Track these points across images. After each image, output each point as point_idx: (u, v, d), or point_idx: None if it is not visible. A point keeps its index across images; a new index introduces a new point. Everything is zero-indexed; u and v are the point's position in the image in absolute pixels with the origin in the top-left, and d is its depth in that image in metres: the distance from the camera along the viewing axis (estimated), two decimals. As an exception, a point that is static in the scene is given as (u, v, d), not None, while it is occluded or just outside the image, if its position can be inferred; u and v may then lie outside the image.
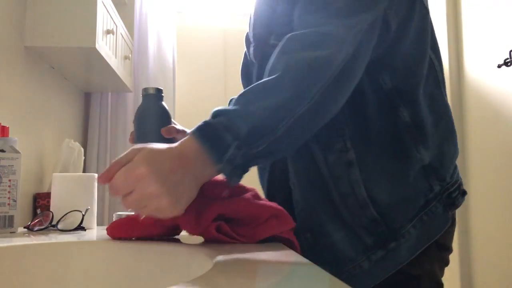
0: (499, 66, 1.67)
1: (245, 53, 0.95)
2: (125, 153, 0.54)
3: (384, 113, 0.72)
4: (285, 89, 0.58)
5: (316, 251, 0.74)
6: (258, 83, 0.60)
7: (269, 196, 0.86)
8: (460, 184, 0.79)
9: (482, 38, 1.87)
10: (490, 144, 1.81)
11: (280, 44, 0.64)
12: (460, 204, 0.79)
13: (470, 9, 1.97)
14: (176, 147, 0.55)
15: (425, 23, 0.75)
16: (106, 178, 0.54)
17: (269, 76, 0.60)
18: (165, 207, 0.52)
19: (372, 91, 0.72)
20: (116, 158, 0.55)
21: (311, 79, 0.59)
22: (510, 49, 1.62)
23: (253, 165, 0.58)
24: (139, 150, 0.53)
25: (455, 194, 0.76)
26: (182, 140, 0.56)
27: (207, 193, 0.61)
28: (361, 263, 0.71)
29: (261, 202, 0.66)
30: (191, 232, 0.65)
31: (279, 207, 0.66)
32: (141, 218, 0.65)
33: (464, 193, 0.80)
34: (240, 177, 0.58)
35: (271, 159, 0.61)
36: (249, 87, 0.60)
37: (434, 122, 0.75)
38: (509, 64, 1.63)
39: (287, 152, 0.68)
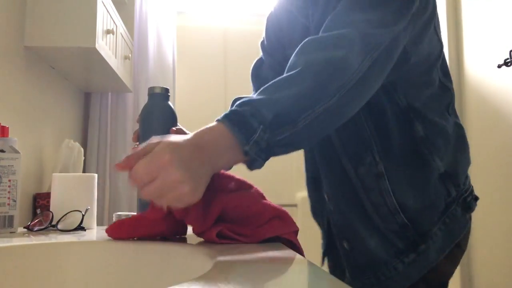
0: (499, 66, 1.67)
1: (262, 57, 0.97)
2: (142, 146, 0.56)
3: (402, 128, 0.78)
4: (307, 81, 0.60)
5: (354, 257, 0.83)
6: (280, 78, 0.62)
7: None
8: (472, 191, 0.88)
9: (482, 38, 1.87)
10: (490, 144, 1.81)
11: (300, 45, 0.66)
12: (474, 208, 0.86)
13: (470, 9, 1.97)
14: (193, 137, 0.58)
15: (435, 49, 0.82)
16: (125, 166, 0.55)
17: (288, 72, 0.62)
18: (187, 193, 0.53)
19: (390, 109, 0.77)
20: (131, 152, 0.56)
21: (331, 76, 0.61)
22: (510, 49, 1.62)
23: (274, 153, 0.60)
24: (159, 141, 0.55)
25: (469, 199, 0.85)
26: (199, 130, 0.59)
27: (214, 185, 0.61)
28: (396, 266, 0.77)
29: (266, 201, 0.66)
30: (197, 228, 0.65)
31: (283, 208, 0.67)
32: (162, 209, 0.63)
33: (476, 198, 0.88)
34: (263, 162, 0.59)
35: (291, 149, 0.61)
36: (270, 82, 0.62)
37: (446, 136, 0.82)
38: (509, 64, 1.63)
39: (305, 145, 0.69)
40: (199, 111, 2.72)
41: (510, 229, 1.68)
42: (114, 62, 1.66)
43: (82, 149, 1.58)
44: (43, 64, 1.55)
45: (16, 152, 0.89)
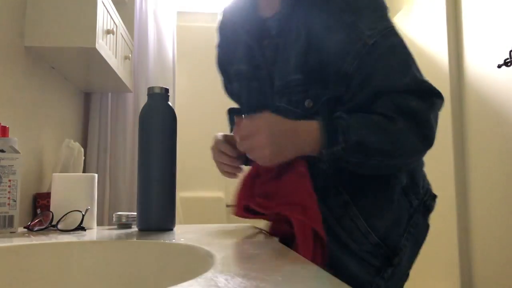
0: (499, 66, 1.67)
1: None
2: (258, 114, 0.74)
3: None
4: (395, 142, 0.74)
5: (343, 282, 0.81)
6: (377, 118, 0.74)
7: None
8: (430, 190, 0.90)
9: (482, 38, 1.87)
10: (490, 144, 1.81)
11: (396, 100, 0.74)
12: (434, 208, 0.89)
13: (470, 9, 1.97)
14: (294, 122, 0.74)
15: None
16: (238, 122, 0.75)
17: (385, 117, 0.74)
18: (265, 156, 0.72)
19: None
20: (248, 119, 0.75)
21: (408, 152, 0.77)
22: (510, 49, 1.62)
23: (338, 165, 0.74)
24: (266, 114, 0.74)
25: (428, 202, 0.88)
26: (303, 121, 0.75)
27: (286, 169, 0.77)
28: (378, 283, 0.81)
29: (302, 186, 0.76)
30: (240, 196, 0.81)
31: (314, 199, 0.75)
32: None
33: (434, 197, 0.90)
34: (325, 166, 0.75)
35: (347, 167, 0.75)
36: (365, 114, 0.74)
37: None
38: (509, 64, 1.63)
39: (362, 172, 0.79)
40: (199, 111, 2.72)
41: (510, 229, 1.68)
42: (114, 62, 1.66)
43: (82, 149, 1.58)
44: (43, 64, 1.55)
45: (16, 152, 0.89)
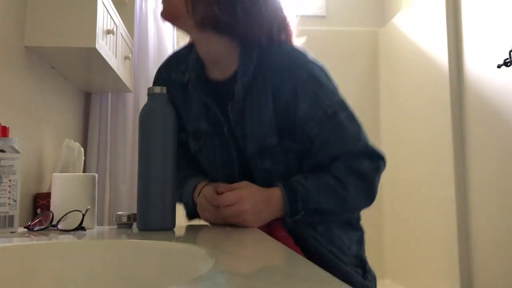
0: (499, 66, 1.67)
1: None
2: (237, 183, 0.90)
3: None
4: (343, 207, 0.92)
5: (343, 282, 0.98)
6: (333, 182, 0.89)
7: None
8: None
9: (482, 38, 1.87)
10: (490, 144, 1.81)
11: (350, 164, 0.90)
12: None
13: (470, 9, 1.97)
14: (267, 190, 0.90)
15: None
16: (221, 191, 0.89)
17: (339, 182, 0.89)
18: (248, 221, 0.87)
19: None
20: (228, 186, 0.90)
21: (354, 211, 1.00)
22: (510, 49, 1.62)
23: (299, 223, 0.91)
24: (246, 184, 0.90)
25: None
26: (271, 189, 0.90)
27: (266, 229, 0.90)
28: (368, 284, 0.99)
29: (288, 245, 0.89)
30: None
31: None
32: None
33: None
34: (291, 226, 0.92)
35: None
36: (322, 177, 0.90)
37: None
38: (509, 64, 1.63)
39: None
40: (199, 111, 2.72)
41: (510, 229, 1.68)
42: (114, 62, 1.66)
43: (82, 149, 1.58)
44: (43, 64, 1.55)
45: (17, 152, 0.89)
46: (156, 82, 1.06)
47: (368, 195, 0.92)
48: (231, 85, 0.92)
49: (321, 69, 0.93)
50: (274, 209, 0.88)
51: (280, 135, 0.90)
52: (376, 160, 0.92)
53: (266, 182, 0.92)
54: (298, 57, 0.92)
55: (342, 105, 0.92)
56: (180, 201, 1.02)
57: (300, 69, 0.89)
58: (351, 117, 0.92)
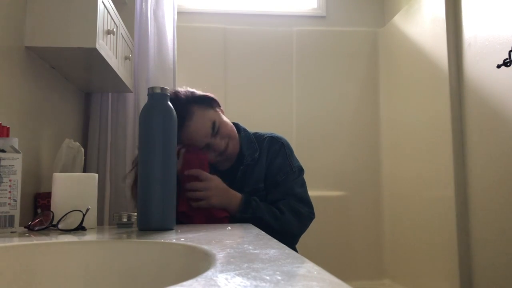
0: (498, 67, 1.67)
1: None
2: (207, 174, 1.28)
3: None
4: (278, 225, 1.30)
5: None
6: (275, 210, 1.32)
7: None
8: None
9: (481, 38, 1.87)
10: (490, 144, 1.81)
11: (292, 203, 1.35)
12: None
13: (470, 9, 1.97)
14: (229, 189, 1.30)
15: None
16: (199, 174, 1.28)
17: (279, 209, 1.32)
18: (210, 203, 1.26)
19: None
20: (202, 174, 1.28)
21: (288, 233, 1.33)
22: (510, 49, 1.63)
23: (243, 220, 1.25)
24: (216, 177, 1.29)
25: None
26: (235, 192, 1.31)
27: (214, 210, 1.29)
28: None
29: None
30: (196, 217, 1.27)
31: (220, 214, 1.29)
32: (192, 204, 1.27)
33: None
34: (240, 219, 1.27)
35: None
36: (270, 205, 1.34)
37: None
38: (508, 64, 1.63)
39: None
40: (199, 111, 2.72)
41: (510, 229, 1.68)
42: (114, 62, 1.66)
43: (82, 149, 1.58)
44: (43, 64, 1.55)
45: (17, 152, 0.89)
46: None
47: (299, 228, 1.35)
48: (237, 167, 1.40)
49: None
50: (230, 201, 1.28)
51: (264, 183, 1.38)
52: (310, 209, 1.37)
53: None
54: (281, 136, 1.48)
55: (301, 168, 1.42)
56: None
57: (283, 140, 1.46)
58: (302, 176, 1.43)
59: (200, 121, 1.33)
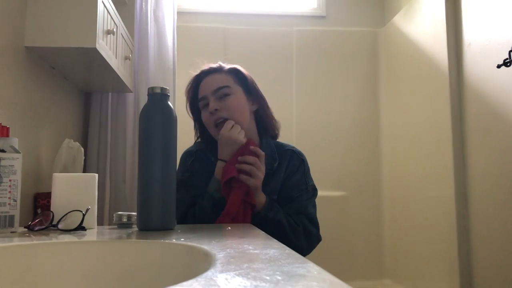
0: (498, 66, 1.67)
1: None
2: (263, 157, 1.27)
3: None
4: (291, 233, 1.29)
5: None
6: (292, 222, 1.30)
7: None
8: None
9: (482, 38, 1.87)
10: (490, 144, 1.81)
11: (305, 222, 1.33)
12: None
13: (470, 9, 1.97)
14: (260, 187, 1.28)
15: None
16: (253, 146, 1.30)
17: (294, 221, 1.31)
18: (252, 182, 1.23)
19: None
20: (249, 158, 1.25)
21: (297, 246, 1.28)
22: (510, 49, 1.63)
23: (266, 220, 1.26)
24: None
25: None
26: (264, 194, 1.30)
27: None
28: None
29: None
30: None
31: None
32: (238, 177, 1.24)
33: None
34: (263, 218, 1.27)
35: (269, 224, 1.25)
36: (287, 215, 1.32)
37: None
38: (508, 64, 1.63)
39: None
40: (199, 111, 2.71)
41: (510, 229, 1.68)
42: (114, 62, 1.66)
43: (82, 149, 1.58)
44: (43, 64, 1.55)
45: (17, 152, 0.89)
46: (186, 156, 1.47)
47: (308, 246, 1.34)
48: None
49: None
50: (261, 194, 1.27)
51: (278, 196, 1.35)
52: (318, 230, 1.36)
53: None
54: (302, 152, 1.46)
55: (315, 187, 1.41)
56: (205, 203, 1.26)
57: (303, 157, 1.44)
58: (316, 195, 1.41)
59: (217, 77, 1.38)
